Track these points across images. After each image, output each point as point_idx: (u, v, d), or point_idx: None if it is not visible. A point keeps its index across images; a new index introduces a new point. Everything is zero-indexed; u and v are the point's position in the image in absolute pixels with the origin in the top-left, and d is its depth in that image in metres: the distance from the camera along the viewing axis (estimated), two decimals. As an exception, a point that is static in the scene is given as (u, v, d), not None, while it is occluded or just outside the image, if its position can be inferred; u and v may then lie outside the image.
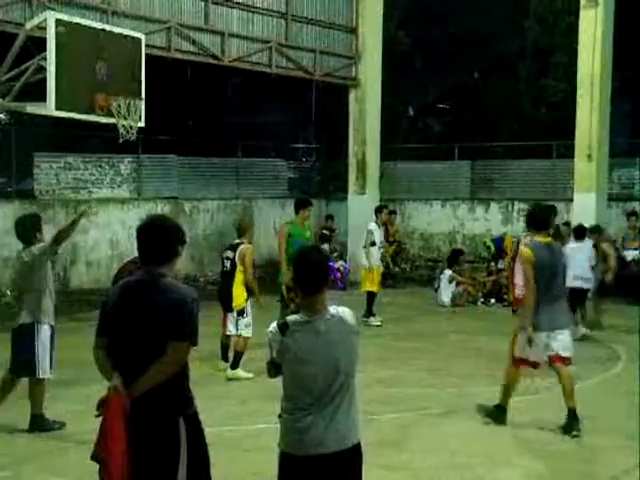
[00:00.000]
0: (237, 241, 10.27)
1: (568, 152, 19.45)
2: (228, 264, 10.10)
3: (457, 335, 12.94)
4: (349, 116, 20.24)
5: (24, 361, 7.86)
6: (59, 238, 8.02)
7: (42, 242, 7.99)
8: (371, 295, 14.13)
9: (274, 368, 4.27)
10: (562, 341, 7.89)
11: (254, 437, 7.37)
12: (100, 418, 4.28)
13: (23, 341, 7.86)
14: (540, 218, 8.29)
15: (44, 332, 7.91)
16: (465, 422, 8.34)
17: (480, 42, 24.06)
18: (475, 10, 24.08)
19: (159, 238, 4.48)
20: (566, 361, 7.96)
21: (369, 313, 13.90)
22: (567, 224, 18.39)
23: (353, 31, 19.82)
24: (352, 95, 20.12)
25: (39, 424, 7.86)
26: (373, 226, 14.44)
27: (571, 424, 7.79)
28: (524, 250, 8.07)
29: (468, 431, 8.00)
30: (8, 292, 15.09)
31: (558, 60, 23.25)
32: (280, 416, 4.27)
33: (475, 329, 12.24)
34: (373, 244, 14.28)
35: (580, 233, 12.83)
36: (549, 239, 8.19)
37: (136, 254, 4.61)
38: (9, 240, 15.12)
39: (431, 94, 26.74)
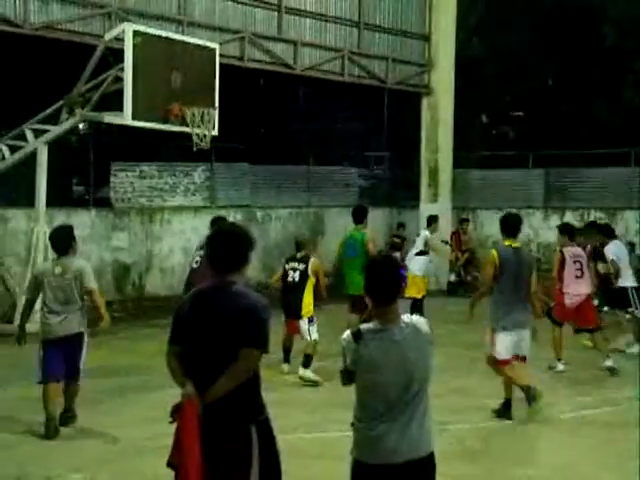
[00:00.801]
0: (303, 254, 10.63)
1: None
2: (297, 275, 10.47)
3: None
4: (421, 124, 20.15)
5: (75, 367, 8.05)
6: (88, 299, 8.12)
7: (76, 252, 8.19)
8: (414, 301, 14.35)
9: (347, 376, 4.26)
10: (526, 341, 8.53)
11: (325, 445, 7.35)
12: (173, 425, 4.31)
13: (75, 349, 8.01)
14: (509, 225, 8.78)
15: (86, 341, 8.11)
16: (539, 433, 8.21)
17: (555, 48, 23.69)
18: (549, 15, 23.74)
19: (230, 245, 4.49)
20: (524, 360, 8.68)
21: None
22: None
23: (426, 38, 19.74)
24: (424, 103, 20.01)
25: (67, 417, 8.10)
26: (427, 234, 14.67)
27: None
28: (491, 252, 8.75)
29: (541, 442, 7.86)
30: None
31: (636, 65, 22.74)
32: (353, 424, 4.25)
33: (550, 339, 11.92)
34: (423, 253, 14.51)
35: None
36: (517, 244, 8.71)
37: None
38: (87, 248, 15.51)
39: (505, 101, 26.43)
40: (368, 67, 18.61)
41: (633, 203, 19.62)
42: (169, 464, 4.33)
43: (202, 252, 11.22)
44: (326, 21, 17.66)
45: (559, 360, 10.99)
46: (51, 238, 8.30)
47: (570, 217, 20.09)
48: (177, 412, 4.27)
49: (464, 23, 21.94)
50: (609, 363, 10.73)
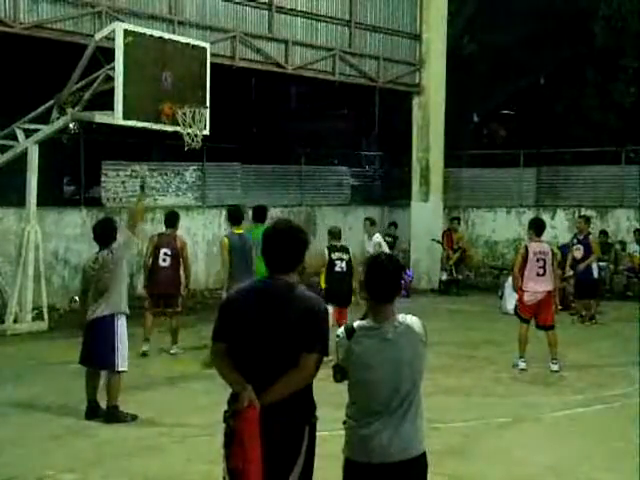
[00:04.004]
0: (342, 243, 11.56)
1: (639, 158, 19.06)
2: (344, 265, 11.29)
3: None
4: (412, 123, 20.16)
5: (103, 354, 8.16)
6: (131, 229, 8.46)
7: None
8: None
9: (340, 373, 4.24)
10: None
11: (317, 444, 7.34)
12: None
13: (102, 334, 8.13)
14: (233, 215, 11.14)
15: (122, 325, 8.21)
16: (530, 432, 8.23)
17: (546, 46, 23.73)
18: (541, 14, 23.76)
19: (288, 245, 4.31)
20: None
21: None
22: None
23: (417, 37, 19.75)
24: (416, 102, 20.03)
25: (114, 415, 8.14)
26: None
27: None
28: (222, 239, 11.01)
29: (533, 441, 7.87)
30: (77, 298, 15.38)
31: (627, 64, 22.79)
32: (345, 422, 4.24)
33: (540, 337, 12.00)
34: None
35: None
36: (241, 231, 10.93)
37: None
38: (78, 247, 15.49)
39: (496, 100, 26.46)
40: (359, 66, 18.62)
41: (624, 201, 19.70)
42: (229, 470, 4.18)
43: (168, 250, 11.41)
44: (317, 20, 17.65)
45: (521, 357, 10.99)
46: (94, 230, 8.57)
47: (561, 215, 20.18)
48: (234, 417, 4.12)
49: (455, 22, 21.98)
50: (554, 368, 10.79)
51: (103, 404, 8.32)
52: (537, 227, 11.16)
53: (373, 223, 15.21)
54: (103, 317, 8.13)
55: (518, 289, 11.10)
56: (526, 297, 10.87)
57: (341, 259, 11.27)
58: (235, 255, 10.70)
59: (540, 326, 11.01)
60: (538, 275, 10.75)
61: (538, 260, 10.77)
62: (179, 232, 12.01)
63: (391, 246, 18.74)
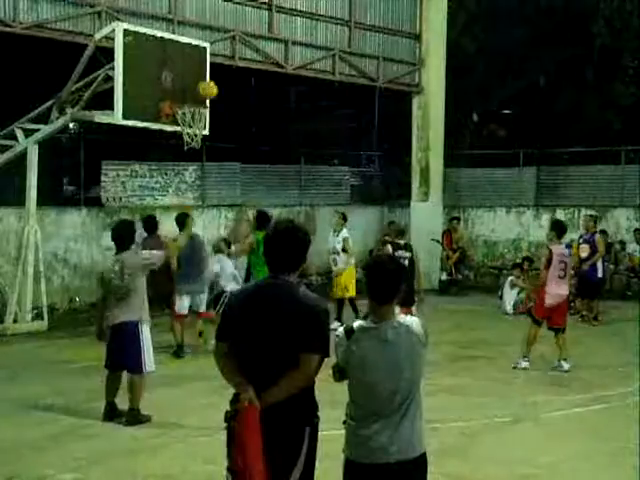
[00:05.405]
0: (405, 241, 11.51)
1: (638, 158, 19.04)
2: (406, 263, 10.97)
3: (521, 343, 12.69)
4: (412, 123, 20.16)
5: (130, 357, 8.12)
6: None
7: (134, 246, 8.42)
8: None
9: (339, 373, 4.24)
10: (202, 300, 11.84)
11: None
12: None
13: (127, 338, 8.10)
14: (178, 221, 11.59)
15: (146, 332, 8.21)
16: (530, 431, 8.23)
17: (546, 46, 23.73)
18: (541, 14, 23.76)
19: (289, 246, 4.32)
20: (203, 315, 11.90)
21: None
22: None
23: (417, 37, 19.74)
24: (415, 101, 20.03)
25: (136, 417, 8.11)
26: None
27: None
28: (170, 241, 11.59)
29: (533, 441, 7.88)
30: (77, 298, 15.39)
31: (627, 63, 22.79)
32: (345, 422, 4.24)
33: (540, 337, 11.99)
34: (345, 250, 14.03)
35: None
36: (191, 234, 11.67)
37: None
38: (78, 247, 15.49)
39: (495, 100, 26.45)
40: (359, 66, 18.61)
41: (624, 201, 19.68)
42: (229, 469, 4.20)
43: (157, 252, 11.46)
44: (317, 20, 17.65)
45: (525, 357, 10.98)
46: (113, 232, 8.49)
47: (561, 215, 20.14)
48: (235, 418, 4.13)
49: (455, 22, 21.97)
50: (566, 367, 10.79)
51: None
52: (559, 229, 11.11)
53: (344, 218, 14.30)
54: (126, 322, 8.08)
55: (540, 290, 10.99)
56: (548, 299, 10.78)
57: (402, 257, 10.90)
58: (183, 257, 11.37)
59: (553, 328, 10.98)
60: (560, 278, 10.73)
61: (560, 262, 10.74)
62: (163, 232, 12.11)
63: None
